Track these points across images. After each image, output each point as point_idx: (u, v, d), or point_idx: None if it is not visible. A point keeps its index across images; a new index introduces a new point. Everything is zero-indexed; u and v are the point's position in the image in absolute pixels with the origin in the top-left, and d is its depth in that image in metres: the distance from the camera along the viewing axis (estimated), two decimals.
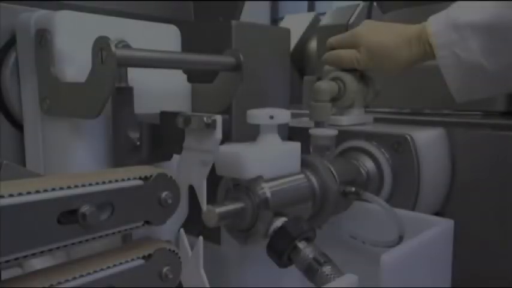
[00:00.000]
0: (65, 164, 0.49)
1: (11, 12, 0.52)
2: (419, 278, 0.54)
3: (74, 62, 0.48)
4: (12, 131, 0.54)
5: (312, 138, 0.65)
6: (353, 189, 0.61)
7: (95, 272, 0.39)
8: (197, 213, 0.48)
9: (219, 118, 0.43)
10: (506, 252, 0.71)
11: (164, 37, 0.58)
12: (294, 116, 0.67)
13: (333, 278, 0.46)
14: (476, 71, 0.65)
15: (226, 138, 0.53)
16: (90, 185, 0.37)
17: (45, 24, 0.48)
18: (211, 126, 0.43)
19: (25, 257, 0.33)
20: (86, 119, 0.47)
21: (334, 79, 0.74)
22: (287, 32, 0.72)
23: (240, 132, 0.61)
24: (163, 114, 0.49)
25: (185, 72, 0.60)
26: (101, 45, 0.42)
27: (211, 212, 0.47)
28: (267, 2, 6.89)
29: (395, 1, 1.16)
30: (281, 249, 0.49)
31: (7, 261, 0.32)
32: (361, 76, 0.78)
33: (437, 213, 0.74)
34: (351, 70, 0.75)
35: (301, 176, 0.57)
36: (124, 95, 0.48)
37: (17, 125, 0.54)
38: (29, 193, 0.33)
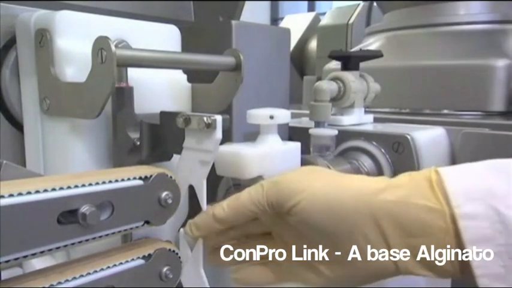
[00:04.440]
0: (65, 164, 0.49)
1: (11, 12, 0.52)
2: (420, 278, 0.53)
3: (74, 62, 0.48)
4: (12, 131, 0.54)
5: (312, 138, 0.65)
6: None
7: (95, 272, 0.39)
8: (197, 213, 0.48)
9: (219, 118, 0.43)
10: None
11: (164, 37, 0.58)
12: (294, 116, 0.66)
13: None
14: None
15: (227, 138, 0.53)
16: (90, 185, 0.37)
17: (45, 24, 0.48)
18: (211, 126, 0.43)
19: (25, 257, 0.33)
20: (86, 119, 0.47)
21: (334, 79, 0.74)
22: (287, 32, 0.72)
23: (240, 132, 0.61)
24: (163, 114, 0.49)
25: (185, 72, 0.60)
26: (101, 45, 0.42)
27: None
28: (267, 2, 6.90)
29: (395, 1, 1.16)
30: None
31: (7, 261, 0.32)
32: (361, 76, 0.78)
33: None
34: (351, 70, 0.75)
35: None
36: (124, 95, 0.48)
37: (17, 125, 0.54)
38: (29, 193, 0.33)
